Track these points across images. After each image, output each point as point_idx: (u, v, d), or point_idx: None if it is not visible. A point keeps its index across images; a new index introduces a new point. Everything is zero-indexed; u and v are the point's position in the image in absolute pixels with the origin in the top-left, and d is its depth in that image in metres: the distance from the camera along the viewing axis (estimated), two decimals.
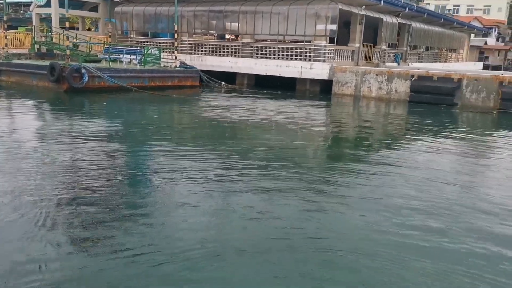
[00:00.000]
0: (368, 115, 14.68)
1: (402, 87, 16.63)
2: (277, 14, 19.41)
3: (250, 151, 8.04)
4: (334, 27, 18.35)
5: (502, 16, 66.84)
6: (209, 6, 21.33)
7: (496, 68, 49.78)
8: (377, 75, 17.22)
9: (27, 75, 16.46)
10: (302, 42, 19.41)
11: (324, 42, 19.10)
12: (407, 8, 23.87)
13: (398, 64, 23.79)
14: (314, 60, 19.00)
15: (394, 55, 24.27)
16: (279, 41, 20.00)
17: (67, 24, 16.63)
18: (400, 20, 24.04)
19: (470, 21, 57.78)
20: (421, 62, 29.32)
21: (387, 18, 22.33)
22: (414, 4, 24.38)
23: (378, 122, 13.06)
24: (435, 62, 31.66)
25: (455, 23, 32.69)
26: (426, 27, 27.32)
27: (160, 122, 11.44)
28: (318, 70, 18.52)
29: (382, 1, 21.14)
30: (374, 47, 23.81)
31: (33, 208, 4.69)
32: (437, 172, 6.81)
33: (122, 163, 6.84)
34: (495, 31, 58.16)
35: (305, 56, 19.19)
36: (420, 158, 7.83)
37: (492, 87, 15.00)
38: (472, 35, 55.49)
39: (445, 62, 33.75)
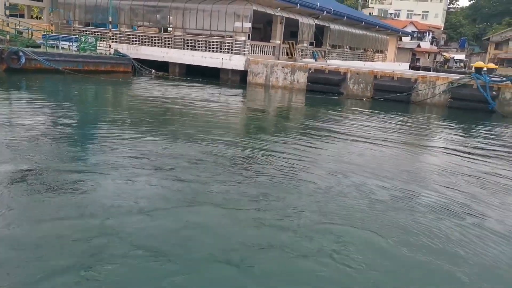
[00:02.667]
0: (271, 100, 17.53)
1: (302, 78, 19.71)
2: (203, 11, 22.10)
3: (165, 126, 10.63)
4: (249, 25, 21.23)
5: (439, 22, 72.24)
6: (143, 1, 23.75)
7: (426, 69, 54.57)
8: (283, 67, 20.23)
9: None
10: (224, 36, 22.19)
11: (244, 38, 21.92)
12: (324, 11, 27.13)
13: (316, 60, 26.99)
14: (235, 53, 21.80)
15: (312, 53, 27.47)
16: (205, 35, 22.66)
17: (7, 12, 18.60)
18: (317, 22, 27.29)
19: (406, 25, 62.60)
20: (346, 60, 32.80)
21: (304, 20, 25.46)
22: (331, 8, 27.58)
23: (279, 106, 15.97)
24: (360, 61, 35.24)
25: (377, 26, 36.45)
26: (344, 28, 30.76)
27: (81, 99, 13.89)
28: (236, 62, 21.35)
29: (298, 5, 24.27)
30: (296, 44, 26.95)
31: None
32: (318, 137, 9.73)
33: (44, 130, 9.29)
34: (428, 35, 63.10)
35: (227, 49, 21.96)
36: (302, 128, 10.75)
37: (369, 80, 18.31)
38: (408, 38, 60.25)
39: (371, 61, 37.51)
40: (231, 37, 22.08)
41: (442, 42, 71.46)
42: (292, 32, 27.00)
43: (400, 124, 12.46)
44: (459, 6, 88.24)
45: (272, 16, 23.94)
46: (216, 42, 22.17)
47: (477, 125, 13.67)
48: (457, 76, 17.67)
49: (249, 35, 21.77)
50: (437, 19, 72.24)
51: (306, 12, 26.26)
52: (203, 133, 8.83)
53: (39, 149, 6.58)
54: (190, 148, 7.40)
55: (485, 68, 17.21)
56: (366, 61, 36.27)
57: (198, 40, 22.67)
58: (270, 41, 25.05)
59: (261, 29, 28.97)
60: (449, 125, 13.40)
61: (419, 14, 72.00)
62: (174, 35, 23.47)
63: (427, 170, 7.23)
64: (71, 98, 13.45)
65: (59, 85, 16.16)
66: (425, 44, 62.14)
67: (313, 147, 8.26)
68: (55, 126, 8.62)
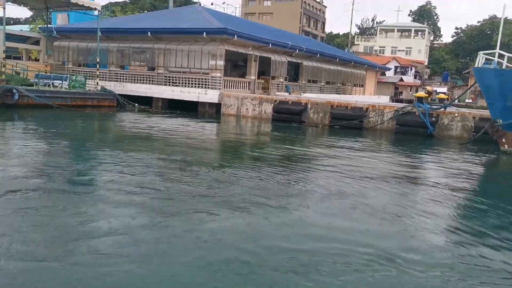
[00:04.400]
0: (240, 129, 19.46)
1: (268, 109, 21.81)
2: (181, 51, 24.52)
3: (150, 154, 12.36)
4: (222, 63, 23.58)
5: (422, 57, 75.53)
6: (129, 43, 26.27)
7: (409, 101, 57.07)
8: (252, 99, 22.38)
9: None
10: (200, 73, 24.52)
11: (219, 74, 24.20)
12: (297, 50, 29.65)
13: (289, 94, 29.21)
14: (211, 88, 24.02)
15: (285, 87, 29.77)
16: (184, 72, 25.00)
17: (4, 55, 20.99)
18: (291, 59, 29.75)
19: (389, 61, 65.62)
20: (322, 93, 35.05)
21: (276, 57, 27.90)
22: (303, 46, 30.12)
23: (247, 133, 17.95)
24: (337, 94, 37.50)
25: (352, 62, 39.04)
26: (319, 65, 33.25)
27: (65, 128, 15.92)
28: (211, 95, 23.55)
29: (270, 44, 26.77)
30: (273, 79, 29.30)
31: None
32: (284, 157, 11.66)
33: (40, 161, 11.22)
34: (411, 69, 66.03)
35: (204, 84, 24.20)
36: (272, 151, 12.68)
37: (326, 109, 20.39)
38: (391, 72, 63.12)
39: (349, 94, 39.86)
40: (207, 73, 24.38)
41: (426, 76, 74.45)
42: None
43: (349, 147, 14.40)
44: (442, 42, 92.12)
45: (245, 54, 26.39)
46: (194, 78, 24.47)
47: (412, 147, 15.60)
48: (401, 105, 19.73)
49: (222, 71, 24.06)
50: (420, 55, 75.65)
51: (280, 50, 28.74)
52: (177, 156, 10.65)
53: (32, 171, 8.13)
54: (166, 167, 9.11)
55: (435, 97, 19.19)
56: (344, 94, 38.59)
57: (177, 77, 24.99)
58: (246, 77, 27.38)
59: (243, 66, 31.35)
60: (389, 147, 15.36)
61: (403, 50, 75.50)
62: (157, 73, 25.82)
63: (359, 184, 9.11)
64: (56, 128, 15.46)
65: (47, 117, 18.20)
66: (409, 78, 64.95)
67: (269, 167, 10.16)
68: (38, 151, 10.56)
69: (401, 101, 55.40)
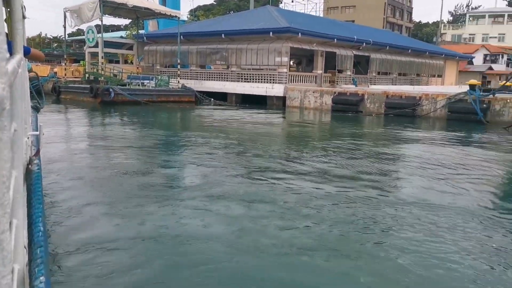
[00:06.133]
0: (303, 118, 21.44)
1: (328, 100, 23.39)
2: (251, 50, 27.02)
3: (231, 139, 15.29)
4: (286, 59, 25.62)
5: None
6: (206, 45, 29.43)
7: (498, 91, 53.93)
8: (313, 92, 24.12)
9: (77, 93, 25.04)
10: (267, 69, 26.80)
11: (285, 70, 26.28)
12: (364, 43, 30.62)
13: (355, 86, 30.29)
14: (278, 83, 26.19)
15: (352, 79, 30.89)
16: (253, 69, 27.48)
17: (103, 61, 25.12)
18: (357, 52, 30.78)
19: (477, 49, 62.40)
20: (394, 85, 35.40)
21: (341, 51, 29.21)
22: (370, 40, 30.95)
23: (309, 122, 19.96)
24: (411, 85, 37.45)
25: (427, 53, 38.60)
26: (388, 57, 33.73)
27: (154, 119, 19.18)
28: (277, 90, 25.71)
29: (335, 39, 28.20)
30: (340, 72, 30.66)
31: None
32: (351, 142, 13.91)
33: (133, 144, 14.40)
34: (502, 57, 62.01)
35: (271, 79, 26.45)
36: (333, 138, 14.87)
37: (382, 99, 21.47)
38: (480, 61, 60.20)
39: (425, 85, 39.44)
40: (274, 70, 26.58)
41: None
42: None
43: (402, 133, 15.74)
44: None
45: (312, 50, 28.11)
46: (262, 74, 26.84)
47: (463, 132, 16.37)
48: (454, 93, 20.16)
49: (288, 67, 26.10)
50: None
51: (346, 45, 29.97)
52: (248, 141, 13.18)
53: (129, 150, 11.39)
54: (240, 150, 11.76)
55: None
56: (419, 85, 38.35)
57: (248, 74, 27.54)
58: (313, 71, 29.10)
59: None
60: (441, 133, 16.33)
61: (495, 37, 70.82)
62: (231, 71, 28.62)
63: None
64: (146, 119, 18.76)
65: (137, 111, 21.77)
66: (499, 67, 61.11)
67: (323, 148, 12.22)
68: (134, 135, 13.62)
69: (488, 90, 52.81)
